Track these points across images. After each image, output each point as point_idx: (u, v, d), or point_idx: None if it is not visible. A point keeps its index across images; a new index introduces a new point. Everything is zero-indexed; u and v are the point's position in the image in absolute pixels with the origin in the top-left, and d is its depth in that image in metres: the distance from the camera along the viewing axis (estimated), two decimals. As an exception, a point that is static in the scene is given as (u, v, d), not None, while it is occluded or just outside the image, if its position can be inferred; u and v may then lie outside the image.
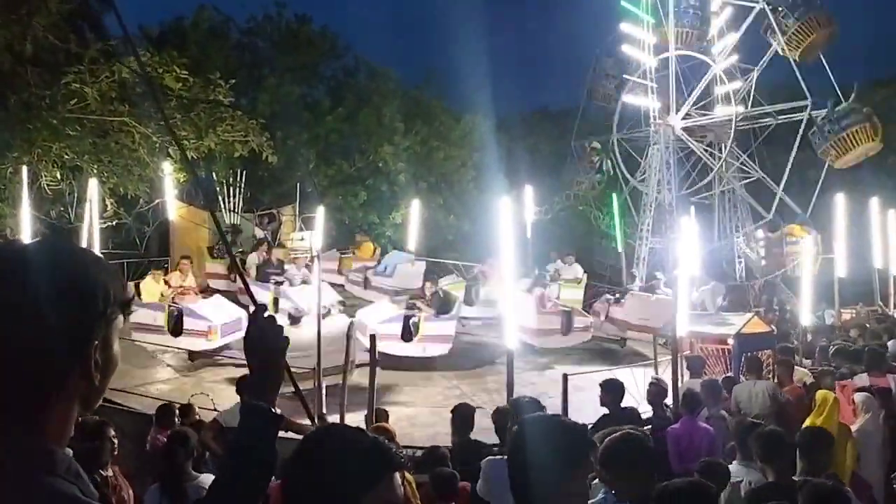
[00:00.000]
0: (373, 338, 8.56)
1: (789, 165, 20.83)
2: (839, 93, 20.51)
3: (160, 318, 12.06)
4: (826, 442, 5.07)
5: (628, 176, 23.95)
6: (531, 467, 2.18)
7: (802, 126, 20.88)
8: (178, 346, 12.13)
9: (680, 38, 23.10)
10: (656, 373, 10.38)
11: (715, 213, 23.53)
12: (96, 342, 1.27)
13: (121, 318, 1.34)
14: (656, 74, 22.59)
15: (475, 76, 26.79)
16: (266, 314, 1.82)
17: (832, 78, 20.72)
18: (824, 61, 20.87)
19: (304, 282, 14.23)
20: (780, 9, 21.06)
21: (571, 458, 2.20)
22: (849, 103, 20.19)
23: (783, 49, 20.85)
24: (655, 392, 7.87)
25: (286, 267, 15.01)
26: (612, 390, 7.28)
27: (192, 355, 12.23)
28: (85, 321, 1.25)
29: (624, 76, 23.71)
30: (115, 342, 1.34)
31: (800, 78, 20.88)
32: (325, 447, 1.67)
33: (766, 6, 21.21)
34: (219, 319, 12.10)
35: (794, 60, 20.89)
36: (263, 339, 1.79)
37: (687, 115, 22.79)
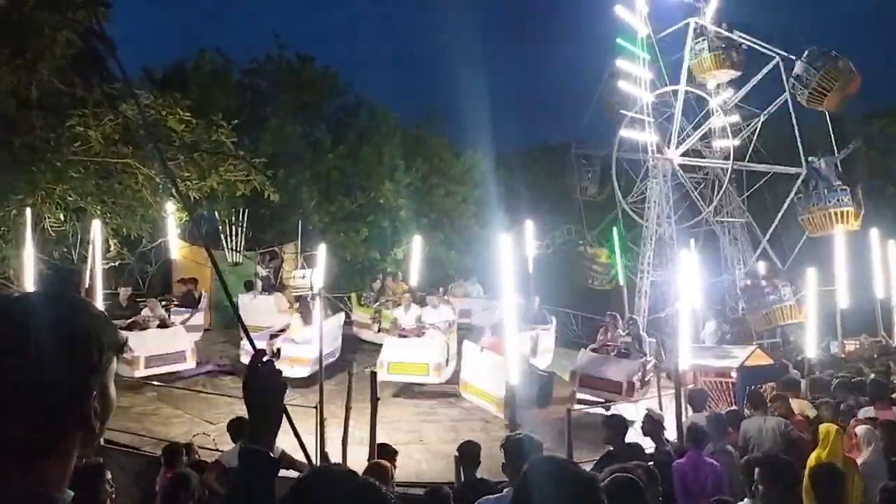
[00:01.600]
0: (373, 374, 8.53)
1: (777, 219, 21.31)
2: (835, 151, 21.02)
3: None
4: (839, 477, 5.03)
5: (619, 195, 24.08)
6: None
7: (796, 186, 21.42)
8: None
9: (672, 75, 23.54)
10: (660, 407, 10.32)
11: (718, 243, 23.65)
12: (94, 392, 1.29)
13: (115, 361, 1.36)
14: (653, 110, 22.89)
15: (475, 113, 27.06)
16: (265, 358, 1.85)
17: (832, 136, 21.20)
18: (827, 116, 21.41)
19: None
20: (801, 61, 21.45)
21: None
22: (837, 182, 20.73)
23: (808, 101, 21.36)
24: (650, 426, 7.81)
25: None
26: (614, 427, 7.21)
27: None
28: (82, 373, 1.26)
29: (620, 111, 23.99)
30: (111, 385, 1.35)
31: (798, 137, 21.39)
32: (314, 492, 1.68)
33: (780, 61, 21.75)
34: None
35: (834, 105, 21.41)
36: (262, 383, 1.82)
37: (682, 147, 23.08)
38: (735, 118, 22.62)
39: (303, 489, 1.69)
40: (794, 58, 21.81)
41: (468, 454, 6.76)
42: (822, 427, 7.10)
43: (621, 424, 7.26)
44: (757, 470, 4.67)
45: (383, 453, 7.46)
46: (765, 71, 22.38)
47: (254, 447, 1.74)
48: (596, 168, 25.13)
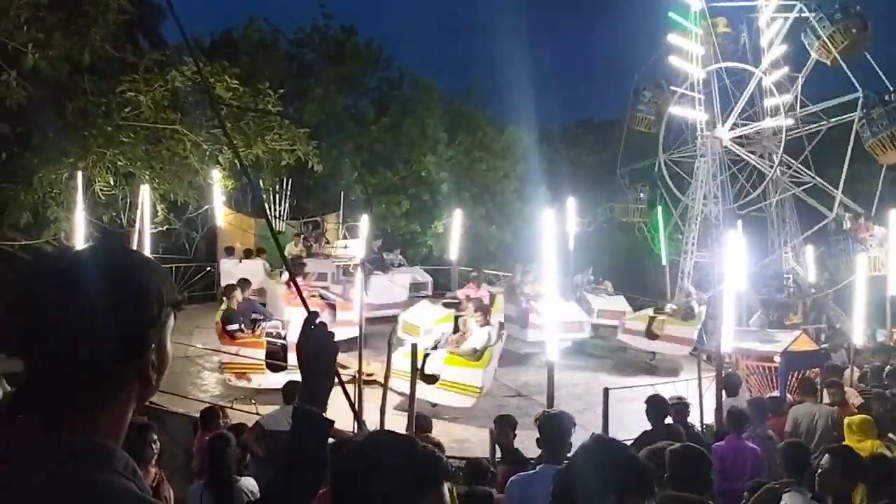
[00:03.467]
0: (414, 346, 8.58)
1: (846, 165, 20.34)
2: (888, 85, 20.12)
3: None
4: (892, 469, 4.94)
5: (679, 195, 23.65)
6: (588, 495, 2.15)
7: (855, 125, 20.45)
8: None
9: (726, 51, 22.87)
10: (700, 389, 10.18)
11: (765, 226, 23.11)
12: (153, 345, 1.31)
13: (172, 317, 1.38)
14: (703, 88, 22.37)
15: (519, 87, 26.85)
16: (318, 321, 1.85)
17: (880, 73, 20.32)
18: (872, 61, 20.50)
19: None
20: (818, 15, 20.70)
21: (626, 485, 2.16)
22: None
23: (818, 51, 20.59)
24: (678, 411, 7.75)
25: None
26: (654, 406, 7.21)
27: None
28: (141, 326, 1.29)
29: (671, 88, 23.51)
30: (168, 341, 1.38)
31: (849, 73, 20.50)
32: (376, 455, 1.67)
33: (802, 12, 20.92)
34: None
35: (834, 61, 20.59)
36: (314, 345, 1.82)
37: (735, 126, 22.48)
38: (787, 96, 21.94)
39: (363, 456, 1.68)
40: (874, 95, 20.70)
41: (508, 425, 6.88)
42: (850, 420, 6.99)
43: (662, 405, 7.24)
44: (827, 457, 4.46)
45: (421, 424, 7.53)
46: (784, 28, 21.53)
47: (307, 407, 1.75)
48: (655, 101, 24.71)
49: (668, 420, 7.30)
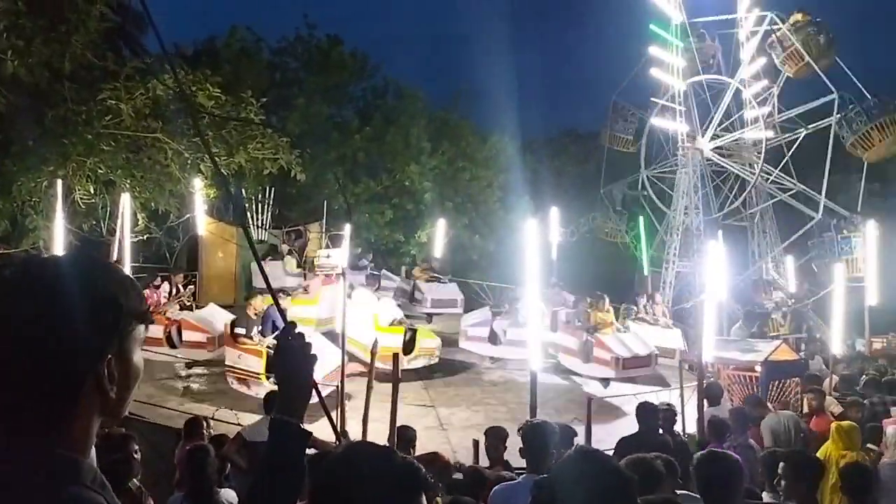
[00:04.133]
0: (395, 356, 8.55)
1: (827, 167, 20.60)
2: (864, 90, 20.53)
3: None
4: (871, 478, 5.01)
5: (664, 209, 23.81)
6: None
7: (833, 128, 20.74)
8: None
9: (706, 63, 23.15)
10: (681, 399, 10.23)
11: (746, 236, 23.32)
12: (109, 355, 1.28)
13: (140, 329, 1.35)
14: (683, 100, 22.59)
15: (502, 97, 26.94)
16: (296, 331, 1.84)
17: (853, 77, 20.76)
18: (843, 66, 20.91)
19: None
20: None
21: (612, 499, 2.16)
22: (875, 98, 20.14)
23: (782, 63, 21.00)
24: (666, 418, 7.79)
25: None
26: (644, 412, 7.25)
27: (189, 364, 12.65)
28: (96, 334, 1.26)
29: (652, 99, 23.73)
30: (136, 354, 1.35)
31: (822, 75, 20.86)
32: (356, 465, 1.66)
33: (773, 23, 21.27)
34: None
35: (798, 72, 21.03)
36: (292, 356, 1.81)
37: (715, 137, 22.72)
38: (767, 109, 22.21)
39: (340, 466, 1.67)
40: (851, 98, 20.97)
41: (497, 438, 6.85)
42: (838, 424, 7.06)
43: (653, 412, 7.29)
44: (782, 465, 4.63)
45: (403, 435, 7.49)
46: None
47: (285, 418, 1.74)
48: (634, 121, 24.97)
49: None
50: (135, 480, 5.59)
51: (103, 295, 1.27)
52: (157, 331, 12.22)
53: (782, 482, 4.61)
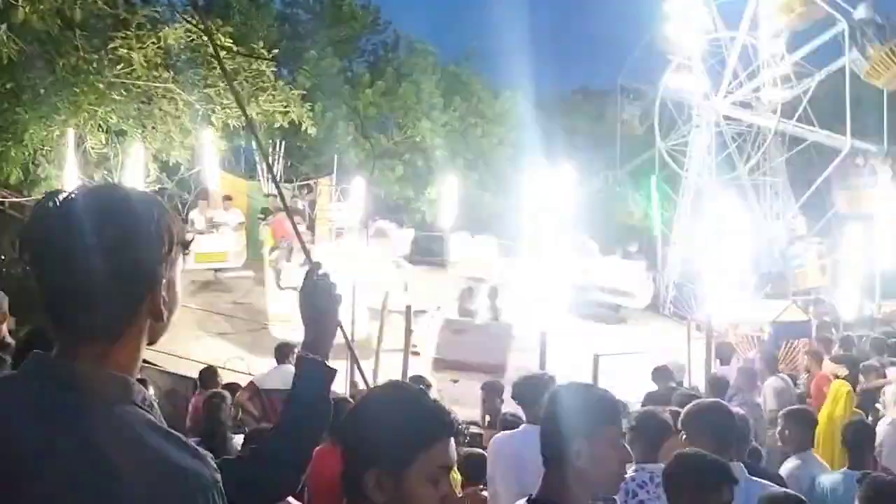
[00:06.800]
0: (408, 308, 8.63)
1: (847, 105, 20.17)
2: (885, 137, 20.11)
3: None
4: (872, 434, 5.11)
5: (678, 170, 23.48)
6: (561, 427, 2.18)
7: (846, 63, 20.19)
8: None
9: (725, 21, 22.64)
10: (688, 358, 10.32)
11: (757, 199, 23.07)
12: (164, 280, 1.32)
13: (181, 257, 1.39)
14: (699, 58, 22.18)
15: (515, 53, 26.48)
16: (320, 271, 1.86)
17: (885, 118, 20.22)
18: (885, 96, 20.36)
19: None
20: (865, 30, 20.26)
21: (600, 419, 2.20)
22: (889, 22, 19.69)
23: (867, 75, 20.20)
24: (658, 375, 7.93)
25: None
26: (659, 375, 7.36)
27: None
28: (154, 261, 1.30)
29: (668, 56, 23.32)
30: (178, 281, 1.39)
31: (825, 6, 20.20)
32: (387, 400, 1.69)
33: (847, 27, 20.49)
34: None
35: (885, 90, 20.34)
36: (318, 296, 1.83)
37: (729, 93, 22.33)
38: (787, 69, 21.76)
39: (374, 399, 1.70)
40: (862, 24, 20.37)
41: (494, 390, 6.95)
42: (834, 384, 7.14)
43: (667, 373, 7.40)
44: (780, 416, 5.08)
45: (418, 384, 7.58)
46: (826, 36, 21.23)
47: (311, 356, 1.77)
48: (642, 101, 24.64)
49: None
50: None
51: (159, 222, 1.31)
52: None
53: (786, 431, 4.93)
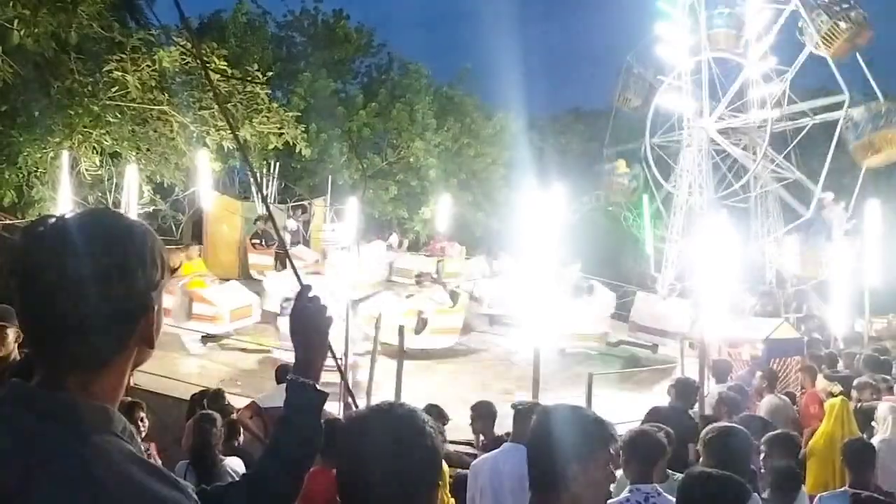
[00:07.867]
0: (401, 328, 8.64)
1: (827, 163, 20.44)
2: (877, 90, 20.25)
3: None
4: (873, 453, 5.10)
5: (661, 181, 23.70)
6: (553, 451, 2.16)
7: (839, 126, 20.55)
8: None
9: (715, 40, 22.83)
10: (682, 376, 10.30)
11: (749, 217, 23.20)
12: (156, 308, 1.33)
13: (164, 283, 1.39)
14: (691, 77, 22.36)
15: (508, 74, 26.71)
16: (311, 294, 1.89)
17: (868, 75, 20.39)
18: (861, 62, 20.56)
19: None
20: (813, 6, 20.66)
21: (593, 443, 2.19)
22: (885, 102, 19.90)
23: (817, 45, 20.51)
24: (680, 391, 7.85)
25: None
26: (679, 390, 7.31)
27: (205, 338, 12.64)
28: (149, 287, 1.30)
29: (658, 77, 23.52)
30: (162, 306, 1.40)
31: (836, 74, 20.55)
32: (382, 428, 1.75)
33: (799, 5, 20.85)
34: (226, 305, 12.50)
35: (830, 59, 20.56)
36: (308, 318, 1.85)
37: (721, 118, 22.55)
38: (774, 87, 21.98)
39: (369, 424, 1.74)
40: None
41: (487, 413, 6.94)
42: (829, 401, 7.15)
43: (689, 389, 7.38)
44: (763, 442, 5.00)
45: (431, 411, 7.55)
46: (781, 20, 21.44)
47: (301, 379, 1.79)
48: (644, 83, 24.69)
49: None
50: (142, 445, 5.69)
51: (151, 248, 1.31)
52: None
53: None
